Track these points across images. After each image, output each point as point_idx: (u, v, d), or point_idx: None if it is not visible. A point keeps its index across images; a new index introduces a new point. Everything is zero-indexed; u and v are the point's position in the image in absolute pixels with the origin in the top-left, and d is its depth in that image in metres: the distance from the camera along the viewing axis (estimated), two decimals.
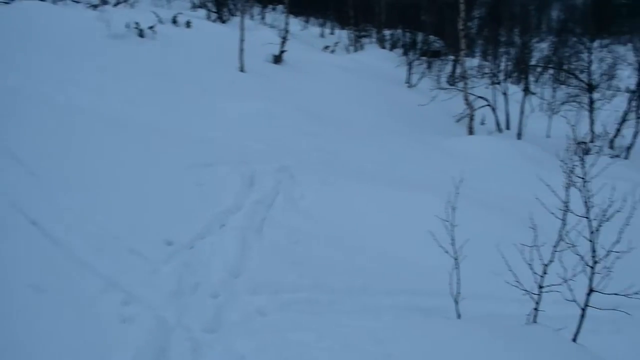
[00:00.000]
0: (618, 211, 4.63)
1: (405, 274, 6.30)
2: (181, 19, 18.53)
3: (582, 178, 4.66)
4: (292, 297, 5.39)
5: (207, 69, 14.37)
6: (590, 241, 4.59)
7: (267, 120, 11.38)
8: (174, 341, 4.44)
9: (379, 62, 23.04)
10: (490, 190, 10.20)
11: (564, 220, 4.78)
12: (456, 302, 5.06)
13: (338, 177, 8.85)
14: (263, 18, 32.31)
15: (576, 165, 4.76)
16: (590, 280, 4.60)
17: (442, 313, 5.28)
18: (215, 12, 23.40)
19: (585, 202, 4.64)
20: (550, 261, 4.81)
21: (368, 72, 20.23)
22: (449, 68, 23.27)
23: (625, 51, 21.91)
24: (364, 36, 29.66)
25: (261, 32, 21.90)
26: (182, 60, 14.61)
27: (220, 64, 15.00)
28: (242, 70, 15.09)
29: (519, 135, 16.23)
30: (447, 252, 5.15)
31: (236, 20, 20.70)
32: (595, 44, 20.45)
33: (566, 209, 4.77)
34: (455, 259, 5.11)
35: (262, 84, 14.50)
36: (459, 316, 5.07)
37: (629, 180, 8.89)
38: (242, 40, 15.05)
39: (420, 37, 25.70)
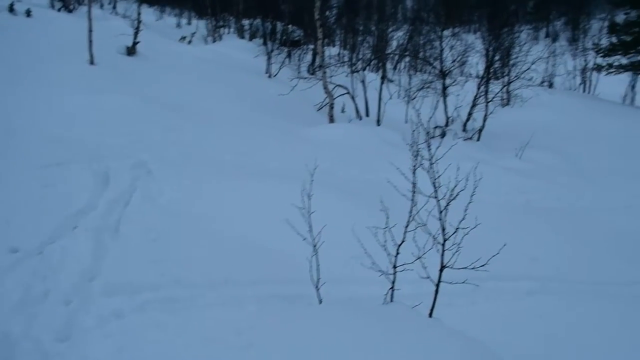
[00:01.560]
0: (462, 190, 4.87)
1: (267, 263, 6.23)
2: (20, 7, 17.12)
3: (429, 160, 4.84)
4: (151, 296, 5.15)
5: (52, 62, 13.41)
6: (440, 220, 4.79)
7: (121, 114, 10.79)
8: (20, 355, 4.12)
9: (238, 53, 22.72)
10: (350, 176, 10.33)
11: (413, 200, 4.98)
12: (317, 288, 5.10)
13: (197, 170, 8.65)
14: (114, 7, 30.92)
15: (422, 149, 4.94)
16: (442, 257, 4.84)
17: (304, 300, 5.27)
18: (60, 1, 21.91)
19: (433, 183, 4.82)
20: (403, 241, 4.99)
21: (227, 62, 19.87)
22: (309, 57, 23.35)
23: (474, 39, 22.95)
24: (222, 26, 29.17)
25: (112, 22, 20.85)
26: (22, 52, 13.52)
27: (68, 57, 14.05)
28: (92, 62, 14.22)
29: (379, 122, 16.55)
30: (305, 239, 5.17)
31: (84, 9, 19.53)
32: (447, 32, 21.25)
33: (414, 191, 4.97)
34: (314, 246, 5.14)
35: (114, 77, 13.75)
36: (320, 302, 5.10)
37: (478, 160, 9.21)
38: (90, 31, 14.18)
39: (279, 26, 25.62)
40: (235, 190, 8.05)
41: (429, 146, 4.89)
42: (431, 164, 4.84)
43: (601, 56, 23.33)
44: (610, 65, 22.81)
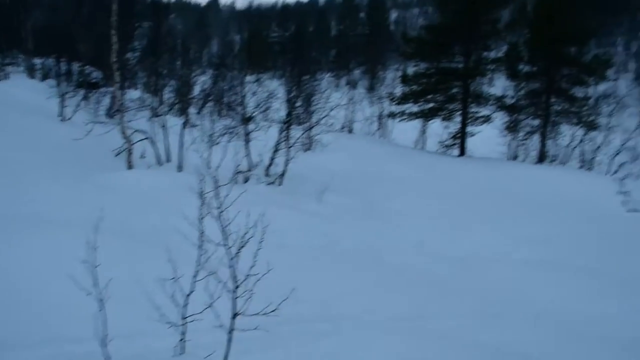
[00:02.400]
0: (251, 237, 4.97)
1: (49, 321, 5.71)
2: None
3: (218, 208, 4.89)
4: None
5: None
6: (230, 267, 4.84)
7: None
8: None
9: (27, 94, 21.08)
10: (145, 225, 9.80)
11: (201, 248, 5.08)
12: (104, 345, 4.63)
13: None
14: None
15: (216, 195, 4.98)
16: (234, 304, 4.85)
17: (92, 358, 4.80)
18: None
19: (222, 230, 4.87)
20: (191, 291, 5.05)
21: (14, 104, 18.30)
22: (107, 100, 22.26)
23: (278, 85, 23.39)
24: (10, 64, 26.99)
25: None
26: None
27: None
28: None
29: (180, 167, 16.05)
30: (89, 294, 4.77)
31: None
32: (251, 78, 21.44)
33: (202, 239, 5.08)
34: (100, 300, 4.75)
35: None
36: None
37: (282, 205, 9.17)
38: None
39: (76, 67, 24.27)
40: (10, 244, 7.22)
41: (218, 193, 4.90)
42: (220, 211, 4.85)
43: (395, 104, 24.93)
44: (402, 113, 24.45)
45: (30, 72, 26.50)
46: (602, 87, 40.61)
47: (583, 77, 25.61)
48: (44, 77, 25.48)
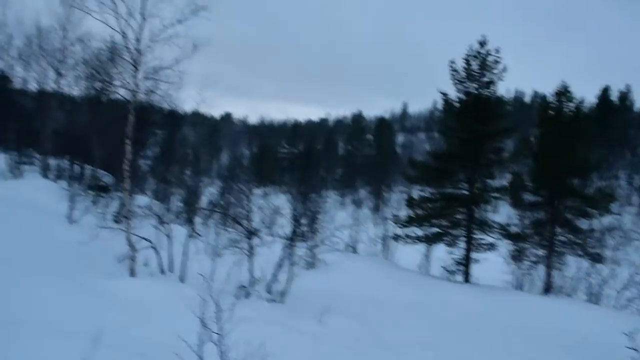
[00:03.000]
0: None
1: None
2: None
3: (218, 334, 4.63)
4: None
5: None
6: None
7: None
8: None
9: (40, 193, 21.40)
10: (143, 336, 9.58)
11: None
12: None
13: None
14: None
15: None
16: None
17: None
18: None
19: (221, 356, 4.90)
20: None
21: (24, 203, 18.51)
22: (116, 204, 22.51)
23: (284, 201, 23.65)
24: (26, 163, 27.56)
25: None
26: None
27: None
28: None
29: (182, 278, 15.94)
30: None
31: None
32: (258, 191, 21.72)
33: None
34: None
35: None
36: None
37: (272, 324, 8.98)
38: None
39: (89, 170, 24.75)
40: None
41: (219, 317, 4.72)
42: (220, 336, 4.65)
43: (399, 227, 25.03)
44: (407, 236, 24.51)
45: (45, 171, 26.97)
46: (606, 220, 40.90)
47: (587, 209, 25.88)
48: (58, 178, 25.91)
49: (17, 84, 33.40)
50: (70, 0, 24.49)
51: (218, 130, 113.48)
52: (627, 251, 27.75)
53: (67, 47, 31.24)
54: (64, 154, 27.79)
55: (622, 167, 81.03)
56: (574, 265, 24.59)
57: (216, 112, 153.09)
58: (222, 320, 4.72)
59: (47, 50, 31.58)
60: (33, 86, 33.00)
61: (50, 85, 31.70)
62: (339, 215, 22.65)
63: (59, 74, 31.21)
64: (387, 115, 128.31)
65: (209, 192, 25.98)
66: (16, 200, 18.55)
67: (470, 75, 24.86)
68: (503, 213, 31.34)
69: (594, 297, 23.37)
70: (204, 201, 24.53)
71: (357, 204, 59.24)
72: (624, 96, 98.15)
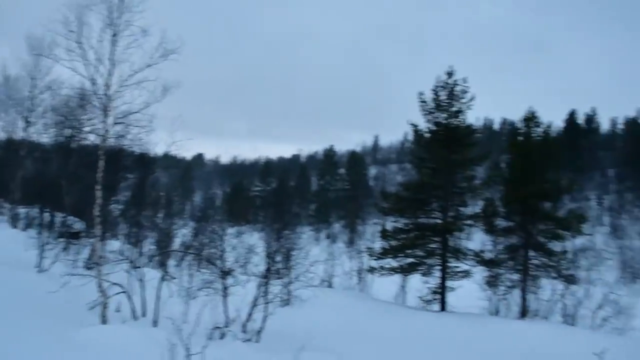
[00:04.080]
0: None
1: None
2: None
3: None
4: None
5: None
6: None
7: None
8: None
9: (7, 243, 21.03)
10: None
11: None
12: None
13: None
14: None
15: None
16: None
17: None
18: None
19: None
20: None
21: None
22: (87, 251, 22.20)
23: (258, 239, 23.53)
24: None
25: None
26: None
27: None
28: None
29: (155, 322, 15.70)
30: None
31: None
32: (231, 230, 21.62)
33: None
34: None
35: None
36: None
37: None
38: None
39: (59, 217, 24.44)
40: None
41: None
42: None
43: (374, 259, 24.99)
44: (382, 268, 24.47)
45: (14, 221, 26.57)
46: (579, 241, 41.33)
47: (559, 232, 26.15)
48: (27, 227, 25.52)
49: None
50: (38, 49, 24.56)
51: (190, 171, 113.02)
52: (600, 271, 28.01)
53: (36, 95, 31.13)
54: (33, 202, 27.42)
55: (592, 189, 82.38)
56: (548, 287, 24.74)
57: (188, 153, 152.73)
58: None
59: (16, 99, 31.43)
60: (1, 135, 32.76)
61: (19, 134, 31.51)
62: (314, 250, 22.55)
63: (28, 123, 31.02)
64: (358, 149, 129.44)
65: (182, 234, 25.79)
66: None
67: (439, 106, 25.21)
68: (477, 240, 31.45)
69: (569, 319, 23.52)
70: (177, 243, 24.32)
71: (332, 238, 59.10)
72: (590, 119, 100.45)
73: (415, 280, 25.65)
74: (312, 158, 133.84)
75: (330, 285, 27.47)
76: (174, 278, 20.99)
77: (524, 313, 24.35)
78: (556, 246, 26.68)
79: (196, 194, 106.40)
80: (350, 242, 39.87)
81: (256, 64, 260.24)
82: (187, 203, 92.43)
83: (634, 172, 76.97)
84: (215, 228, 21.63)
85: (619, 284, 25.04)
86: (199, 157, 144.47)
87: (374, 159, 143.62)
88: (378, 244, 26.49)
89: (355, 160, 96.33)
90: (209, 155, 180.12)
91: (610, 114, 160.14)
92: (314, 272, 20.07)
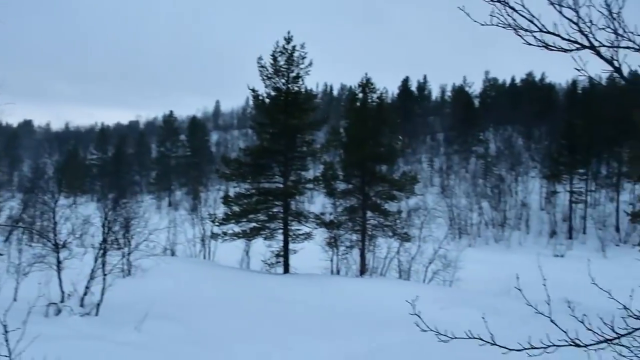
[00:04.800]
0: None
1: None
2: None
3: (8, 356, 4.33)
4: None
5: None
6: None
7: None
8: None
9: None
10: None
11: None
12: None
13: None
14: None
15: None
16: None
17: None
18: None
19: None
20: None
21: None
22: None
23: (94, 209, 22.46)
24: None
25: None
26: None
27: None
28: None
29: None
30: None
31: None
32: (65, 201, 20.44)
33: None
34: None
35: None
36: None
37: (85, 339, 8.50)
38: None
39: None
40: None
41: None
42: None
43: (217, 225, 24.85)
44: (225, 233, 24.39)
45: None
46: (412, 201, 43.86)
47: (394, 193, 27.56)
48: None
49: None
50: None
51: (17, 139, 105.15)
52: (431, 228, 29.89)
53: None
54: None
55: (424, 152, 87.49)
56: (385, 246, 26.08)
57: (13, 119, 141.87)
58: (14, 340, 4.30)
59: None
60: None
61: None
62: (155, 218, 21.96)
63: None
64: (200, 114, 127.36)
65: (10, 206, 24.03)
66: None
67: (277, 71, 25.26)
68: (318, 203, 32.37)
69: (404, 274, 25.01)
70: (3, 217, 22.61)
71: (174, 205, 57.97)
72: (422, 86, 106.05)
73: (259, 245, 25.89)
74: (151, 124, 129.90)
75: (173, 254, 26.99)
76: (2, 254, 19.59)
77: (362, 271, 25.53)
78: (391, 206, 28.15)
79: (25, 163, 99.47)
80: (193, 209, 39.33)
81: (89, 26, 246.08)
82: (14, 174, 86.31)
83: (460, 136, 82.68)
84: (46, 199, 20.35)
85: (447, 240, 26.86)
86: (26, 124, 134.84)
87: (216, 125, 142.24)
88: (221, 210, 26.35)
89: (196, 126, 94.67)
90: (39, 121, 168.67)
91: (440, 82, 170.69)
92: (155, 241, 19.57)
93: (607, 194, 60.20)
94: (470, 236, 55.56)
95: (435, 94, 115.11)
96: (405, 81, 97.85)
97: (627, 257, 37.80)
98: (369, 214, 26.92)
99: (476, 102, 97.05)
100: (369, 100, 28.34)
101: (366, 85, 28.27)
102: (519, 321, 13.58)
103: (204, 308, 16.07)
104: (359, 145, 26.79)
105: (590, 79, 3.86)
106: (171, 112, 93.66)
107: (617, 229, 54.16)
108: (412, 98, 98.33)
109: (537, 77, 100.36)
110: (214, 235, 25.25)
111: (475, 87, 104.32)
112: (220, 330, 14.08)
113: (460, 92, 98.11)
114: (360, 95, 28.68)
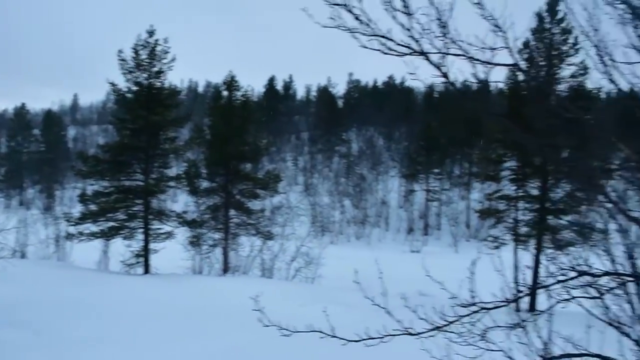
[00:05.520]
0: None
1: None
2: None
3: None
4: None
5: None
6: None
7: None
8: None
9: None
10: None
11: None
12: None
13: None
14: None
15: None
16: None
17: None
18: None
19: None
20: None
21: None
22: None
23: None
24: None
25: None
26: None
27: None
28: None
29: None
30: None
31: None
32: None
33: None
34: None
35: None
36: None
37: None
38: None
39: None
40: None
41: None
42: None
43: (72, 225, 23.72)
44: (81, 233, 23.33)
45: None
46: (275, 200, 44.27)
47: (257, 191, 27.70)
48: None
49: None
50: None
51: None
52: (294, 226, 30.37)
53: None
54: None
55: (289, 150, 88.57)
56: (248, 244, 26.14)
57: None
58: None
59: None
60: None
61: None
62: (3, 218, 20.57)
63: None
64: (55, 108, 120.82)
65: None
66: None
67: (139, 65, 24.53)
68: (181, 201, 31.80)
69: (267, 272, 25.21)
70: None
71: (26, 204, 54.63)
72: (288, 85, 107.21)
73: (118, 245, 25.02)
74: (1, 117, 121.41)
75: (23, 256, 25.46)
76: None
77: (225, 269, 25.44)
78: (255, 205, 28.28)
79: None
80: (47, 208, 37.27)
81: None
82: None
83: (324, 135, 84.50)
84: None
85: (310, 238, 27.38)
86: None
87: (74, 119, 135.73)
88: (78, 209, 25.20)
89: (52, 120, 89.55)
90: None
91: (306, 82, 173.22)
92: (3, 242, 18.38)
93: (460, 193, 64.00)
94: (333, 233, 56.94)
95: (300, 93, 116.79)
96: (271, 80, 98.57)
97: (475, 252, 40.30)
98: (232, 212, 26.87)
99: (340, 102, 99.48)
100: (234, 99, 28.29)
101: (231, 83, 28.20)
102: (374, 314, 14.10)
103: (57, 312, 15.31)
104: (223, 143, 26.66)
105: (443, 83, 4.15)
106: (23, 104, 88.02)
107: (468, 226, 57.81)
108: (278, 97, 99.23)
109: (398, 81, 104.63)
110: (69, 236, 24.05)
111: (340, 88, 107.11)
112: (72, 334, 13.48)
113: (324, 93, 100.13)
114: (225, 93, 28.57)
